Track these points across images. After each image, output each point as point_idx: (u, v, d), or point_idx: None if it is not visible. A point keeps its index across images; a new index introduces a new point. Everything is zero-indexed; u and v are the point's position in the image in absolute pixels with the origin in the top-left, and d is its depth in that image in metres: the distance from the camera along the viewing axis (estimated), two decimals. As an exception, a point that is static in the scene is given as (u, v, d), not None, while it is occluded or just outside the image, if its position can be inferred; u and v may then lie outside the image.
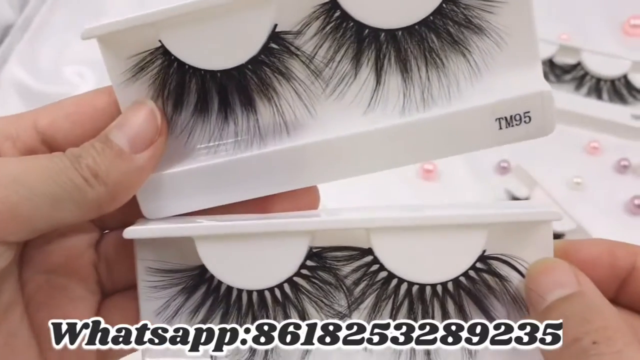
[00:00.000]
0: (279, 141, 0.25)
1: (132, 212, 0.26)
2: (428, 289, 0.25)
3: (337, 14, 0.24)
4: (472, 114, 0.24)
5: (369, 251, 0.25)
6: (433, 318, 0.25)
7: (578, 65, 0.66)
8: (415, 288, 0.25)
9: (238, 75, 0.24)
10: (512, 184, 0.60)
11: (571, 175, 0.60)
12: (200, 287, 0.26)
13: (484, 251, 0.24)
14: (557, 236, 0.56)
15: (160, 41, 0.24)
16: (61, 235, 0.27)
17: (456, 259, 0.24)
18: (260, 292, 0.25)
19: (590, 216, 0.56)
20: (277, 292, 0.25)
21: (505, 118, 0.24)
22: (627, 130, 0.62)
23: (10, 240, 0.23)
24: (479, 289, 0.25)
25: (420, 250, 0.24)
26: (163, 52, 0.24)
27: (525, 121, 0.24)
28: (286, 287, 0.25)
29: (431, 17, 0.24)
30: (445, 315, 0.25)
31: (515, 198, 0.59)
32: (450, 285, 0.25)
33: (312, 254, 0.25)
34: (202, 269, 0.25)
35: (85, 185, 0.23)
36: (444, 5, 0.23)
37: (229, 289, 0.26)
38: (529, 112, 0.24)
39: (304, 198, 0.27)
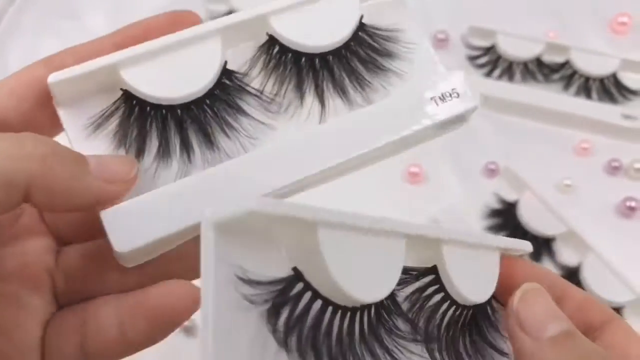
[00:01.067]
0: (242, 154, 0.26)
1: (93, 228, 0.25)
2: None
3: (276, 49, 0.27)
4: (408, 94, 0.28)
5: (432, 269, 0.25)
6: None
7: (566, 63, 0.64)
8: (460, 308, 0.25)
9: (196, 111, 0.26)
10: (500, 187, 0.59)
11: (561, 177, 0.59)
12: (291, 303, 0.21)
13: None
14: (547, 240, 0.55)
15: (121, 89, 0.25)
16: (15, 239, 0.26)
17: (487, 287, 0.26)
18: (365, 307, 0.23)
19: (581, 219, 0.55)
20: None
21: (438, 97, 0.28)
22: (618, 130, 0.61)
23: None
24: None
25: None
26: (124, 99, 0.25)
27: (455, 96, 0.28)
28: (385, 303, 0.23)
29: (351, 43, 0.28)
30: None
31: (504, 201, 0.57)
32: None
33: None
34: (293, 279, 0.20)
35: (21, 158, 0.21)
36: (359, 33, 0.28)
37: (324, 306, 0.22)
38: (454, 88, 0.28)
39: None
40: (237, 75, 0.27)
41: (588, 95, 0.64)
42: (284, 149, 0.26)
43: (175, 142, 0.26)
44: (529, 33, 0.65)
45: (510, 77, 0.65)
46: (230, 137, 0.26)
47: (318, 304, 0.20)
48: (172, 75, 0.25)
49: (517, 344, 0.24)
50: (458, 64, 0.66)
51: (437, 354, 0.24)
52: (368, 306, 0.21)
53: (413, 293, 0.24)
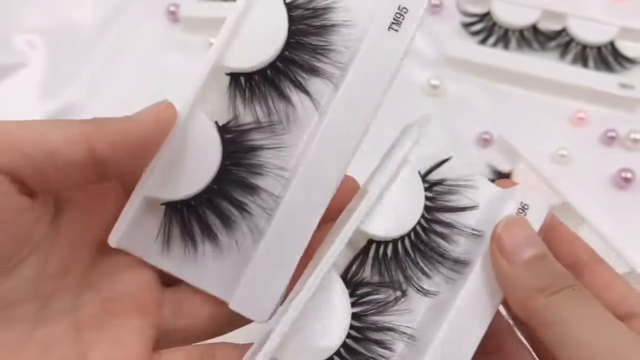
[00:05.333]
0: (283, 194, 0.30)
1: None
2: (418, 229, 0.29)
3: (242, 79, 0.29)
4: (372, 42, 0.29)
5: (369, 242, 0.29)
6: (441, 246, 0.30)
7: (563, 31, 0.63)
8: (406, 240, 0.29)
9: (226, 176, 0.29)
10: (494, 157, 0.57)
11: (556, 147, 0.57)
12: None
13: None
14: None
15: (162, 204, 0.29)
16: (129, 267, 0.29)
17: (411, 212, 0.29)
18: (346, 346, 0.28)
19: (576, 190, 0.54)
20: (354, 333, 0.28)
21: (392, 22, 0.29)
22: (615, 100, 0.60)
23: (20, 179, 0.24)
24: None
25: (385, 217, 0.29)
26: (171, 210, 0.29)
27: (404, 12, 0.29)
28: (355, 323, 0.29)
29: (294, 27, 0.29)
30: (443, 236, 0.30)
31: (497, 172, 0.56)
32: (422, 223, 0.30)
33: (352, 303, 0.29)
34: None
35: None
36: (292, 13, 0.29)
37: None
38: (400, 5, 0.29)
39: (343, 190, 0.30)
40: (230, 125, 0.29)
41: (585, 63, 0.62)
42: (310, 163, 0.29)
43: (233, 212, 0.30)
44: (525, 0, 0.63)
45: (506, 45, 0.63)
46: (264, 175, 0.30)
47: None
48: (190, 166, 0.28)
49: (496, 267, 0.27)
50: (452, 31, 0.64)
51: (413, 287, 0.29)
52: None
53: (372, 263, 0.29)
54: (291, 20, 0.29)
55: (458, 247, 0.30)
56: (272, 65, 0.29)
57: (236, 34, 0.28)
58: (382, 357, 0.28)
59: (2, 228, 0.24)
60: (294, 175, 0.29)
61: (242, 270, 0.29)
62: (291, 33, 0.29)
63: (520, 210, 0.29)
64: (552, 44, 0.63)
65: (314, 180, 0.29)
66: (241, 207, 0.29)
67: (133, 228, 0.29)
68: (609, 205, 0.55)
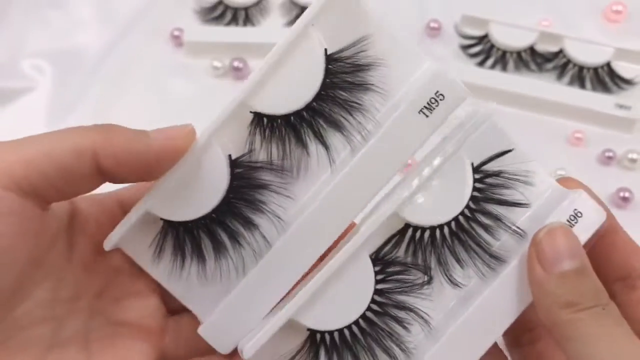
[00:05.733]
0: (281, 233, 0.30)
1: None
2: (461, 219, 0.29)
3: (265, 120, 0.29)
4: (400, 119, 0.28)
5: (406, 226, 0.29)
6: (478, 234, 0.30)
7: (560, 53, 0.64)
8: (453, 225, 0.29)
9: (227, 207, 0.29)
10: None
11: (554, 167, 0.58)
12: (320, 350, 0.30)
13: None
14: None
15: (161, 219, 0.29)
16: (137, 294, 0.30)
17: (455, 199, 0.29)
18: (365, 318, 0.30)
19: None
20: (376, 307, 0.29)
21: (425, 106, 0.28)
22: (612, 120, 0.60)
23: (29, 191, 0.25)
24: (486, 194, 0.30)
25: (431, 200, 0.29)
26: (168, 226, 0.30)
27: (440, 99, 0.28)
28: (378, 298, 0.29)
29: (327, 80, 0.29)
30: (487, 229, 0.30)
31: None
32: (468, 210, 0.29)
33: (375, 261, 0.29)
34: (312, 335, 0.29)
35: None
36: (330, 66, 0.28)
37: (341, 334, 0.30)
38: (437, 91, 0.28)
39: None
40: (243, 159, 0.30)
41: (582, 84, 0.63)
42: (309, 219, 0.29)
43: (225, 242, 0.30)
44: (522, 22, 0.64)
45: (504, 67, 0.64)
46: (264, 214, 0.30)
47: None
48: (195, 191, 0.29)
49: (531, 273, 0.27)
50: (451, 53, 0.65)
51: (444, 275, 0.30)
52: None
53: (407, 245, 0.30)
54: (328, 72, 0.29)
55: (498, 242, 0.30)
56: (297, 112, 0.29)
57: (270, 76, 0.28)
58: (398, 334, 0.29)
59: (19, 247, 0.25)
60: (291, 224, 0.29)
61: (220, 300, 0.30)
62: (324, 86, 0.29)
63: (572, 217, 0.28)
64: (550, 65, 0.64)
65: (309, 235, 0.29)
66: (234, 239, 0.30)
67: (131, 232, 0.29)
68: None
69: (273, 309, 0.30)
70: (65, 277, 0.28)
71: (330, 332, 0.29)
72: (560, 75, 0.64)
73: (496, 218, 0.29)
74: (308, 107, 0.29)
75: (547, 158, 0.59)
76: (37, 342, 0.27)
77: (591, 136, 0.60)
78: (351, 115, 0.29)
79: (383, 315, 0.29)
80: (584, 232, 0.28)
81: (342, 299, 0.28)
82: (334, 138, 0.30)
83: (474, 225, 0.30)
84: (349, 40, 0.29)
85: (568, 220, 0.28)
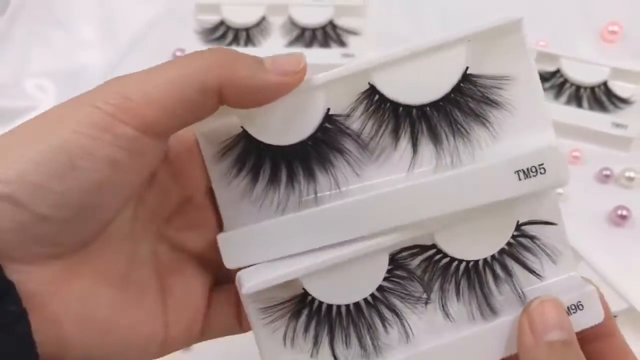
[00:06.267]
0: (332, 200, 0.30)
1: None
2: (480, 261, 0.30)
3: (377, 97, 0.29)
4: (494, 168, 0.28)
5: (432, 246, 0.30)
6: (487, 281, 0.31)
7: (557, 72, 0.64)
8: (471, 264, 0.30)
9: (301, 150, 0.30)
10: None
11: (552, 185, 0.58)
12: (304, 310, 0.30)
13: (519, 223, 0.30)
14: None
15: (242, 127, 0.30)
16: (201, 228, 0.32)
17: (496, 239, 0.30)
18: (357, 304, 0.30)
19: (573, 228, 0.54)
20: (370, 298, 0.30)
21: (523, 170, 0.28)
22: (609, 139, 0.61)
23: (158, 131, 0.26)
24: (515, 248, 0.30)
25: (470, 234, 0.30)
26: (244, 136, 0.30)
27: (540, 172, 0.28)
28: (376, 292, 0.30)
29: (452, 95, 0.29)
30: (495, 276, 0.31)
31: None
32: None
33: (391, 260, 0.30)
34: (304, 295, 0.30)
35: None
36: (461, 84, 0.29)
37: (329, 307, 0.30)
38: (542, 164, 0.28)
39: None
40: (339, 118, 0.30)
41: (579, 104, 0.64)
42: (367, 202, 0.29)
43: (282, 175, 0.30)
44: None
45: (502, 86, 0.65)
46: (327, 173, 0.30)
47: None
48: (281, 123, 0.29)
49: (520, 338, 0.28)
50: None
51: (448, 307, 0.31)
52: None
53: (424, 260, 0.30)
54: (457, 88, 0.29)
55: (500, 296, 0.31)
56: (410, 107, 0.29)
57: (403, 62, 0.29)
58: (377, 330, 0.31)
59: (137, 179, 0.27)
60: (345, 198, 0.30)
61: (249, 222, 0.31)
62: (446, 97, 0.29)
63: (573, 307, 0.29)
64: (547, 84, 0.65)
65: (354, 216, 0.29)
66: (291, 180, 0.31)
67: (213, 123, 0.30)
68: (605, 242, 0.56)
69: (286, 257, 0.30)
70: (146, 200, 0.30)
71: (321, 302, 0.30)
72: (557, 95, 0.64)
73: (509, 275, 0.31)
74: (421, 108, 0.29)
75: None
76: (119, 258, 0.29)
77: (589, 155, 0.61)
78: (454, 137, 0.29)
79: (372, 308, 0.31)
80: (576, 325, 0.29)
81: (348, 281, 0.30)
82: (426, 148, 0.30)
83: (487, 271, 0.31)
84: (492, 72, 0.29)
85: (568, 308, 0.29)
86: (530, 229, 0.30)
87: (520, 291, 0.30)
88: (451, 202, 0.28)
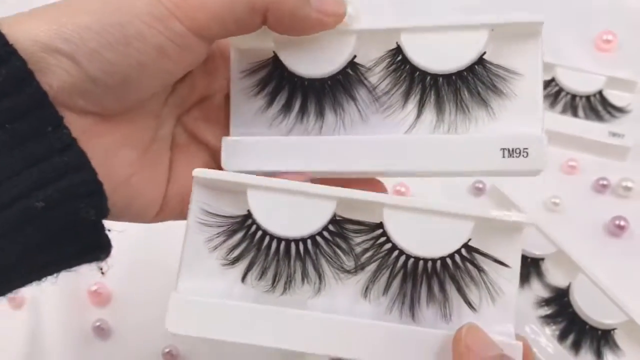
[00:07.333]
0: (336, 132, 0.34)
1: None
2: (421, 264, 0.31)
3: (400, 57, 0.33)
4: (483, 141, 0.31)
5: (380, 225, 0.31)
6: (420, 289, 0.31)
7: (552, 81, 0.64)
8: (410, 261, 0.31)
9: (320, 87, 0.33)
10: (487, 206, 0.58)
11: (548, 195, 0.58)
12: (239, 231, 0.32)
13: (469, 240, 0.30)
14: (536, 260, 0.53)
15: (274, 52, 0.34)
16: (214, 123, 0.37)
17: (447, 242, 0.30)
18: (288, 242, 0.32)
19: (570, 238, 0.54)
20: (301, 245, 0.32)
21: (509, 149, 0.31)
22: (605, 148, 0.60)
23: (205, 35, 0.30)
24: (461, 272, 0.31)
25: (420, 229, 0.30)
26: (273, 61, 0.34)
27: (523, 155, 0.30)
28: (309, 242, 0.32)
29: (465, 73, 0.32)
30: (430, 289, 0.31)
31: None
32: (438, 264, 0.31)
33: (334, 221, 0.31)
34: (245, 218, 0.32)
35: None
36: (476, 66, 0.32)
37: (262, 236, 0.32)
38: (527, 148, 0.30)
39: (374, 188, 0.35)
40: (361, 68, 0.33)
41: (574, 113, 0.63)
42: (369, 143, 0.32)
43: (296, 104, 0.34)
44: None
45: (496, 95, 0.64)
46: (336, 114, 0.34)
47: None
48: (309, 55, 0.33)
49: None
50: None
51: (374, 294, 0.32)
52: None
53: (366, 240, 0.32)
54: (470, 68, 0.32)
55: (426, 309, 0.31)
56: (426, 74, 0.32)
57: (430, 32, 0.32)
58: (294, 278, 0.32)
59: (179, 71, 0.32)
60: (348, 135, 0.33)
61: (263, 136, 0.34)
62: (458, 74, 0.32)
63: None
64: (542, 93, 0.64)
65: (349, 153, 0.32)
66: (303, 109, 0.34)
67: (248, 41, 0.33)
68: (603, 253, 0.55)
69: (273, 173, 0.33)
70: (177, 89, 0.35)
71: (257, 229, 0.32)
72: (552, 104, 0.64)
73: (444, 296, 0.31)
74: (435, 77, 0.32)
75: (541, 186, 0.59)
76: (146, 130, 0.34)
77: (585, 164, 0.60)
78: (456, 111, 0.32)
79: (299, 259, 0.32)
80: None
81: (289, 212, 0.31)
82: (429, 114, 0.32)
83: (424, 282, 0.31)
84: (504, 63, 0.32)
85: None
86: (483, 261, 0.31)
87: (449, 315, 0.31)
88: (440, 162, 0.31)
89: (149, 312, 0.51)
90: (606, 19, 0.69)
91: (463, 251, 0.31)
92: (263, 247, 0.32)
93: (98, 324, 0.52)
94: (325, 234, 0.32)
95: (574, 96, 0.63)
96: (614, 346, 0.49)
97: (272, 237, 0.32)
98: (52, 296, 0.53)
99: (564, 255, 0.52)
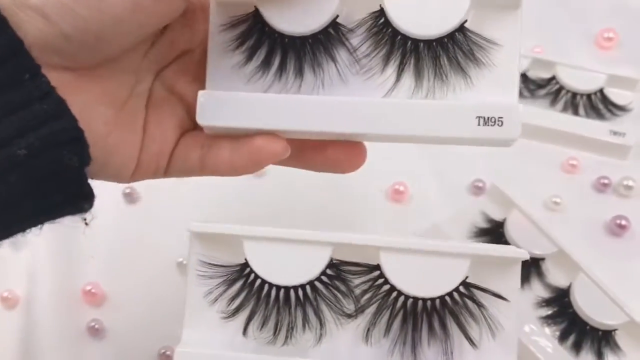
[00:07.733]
0: (314, 92, 0.33)
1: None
2: (420, 304, 0.32)
3: (382, 20, 0.33)
4: (459, 107, 0.31)
5: (377, 267, 0.32)
6: (421, 329, 0.32)
7: (552, 79, 0.63)
8: (410, 301, 0.32)
9: (300, 45, 0.33)
10: (487, 205, 0.57)
11: (549, 194, 0.57)
12: (238, 280, 0.33)
13: (467, 277, 0.31)
14: (537, 260, 0.53)
15: (255, 6, 0.33)
16: (192, 81, 0.36)
17: (445, 281, 0.31)
18: (287, 290, 0.32)
19: (570, 238, 0.53)
20: (300, 292, 0.32)
21: (484, 118, 0.31)
22: (606, 147, 0.60)
23: None
24: (460, 309, 0.31)
25: (418, 270, 0.31)
26: (253, 16, 0.33)
27: (498, 124, 0.30)
28: (308, 288, 0.32)
29: (445, 40, 0.32)
30: (430, 327, 0.32)
31: (491, 220, 0.56)
32: (437, 303, 0.31)
33: (332, 264, 0.32)
34: (243, 266, 0.33)
35: None
36: (457, 33, 0.32)
37: (262, 284, 0.32)
38: (502, 117, 0.30)
39: (353, 152, 0.35)
40: (343, 29, 0.33)
41: (575, 111, 0.62)
42: (347, 104, 0.32)
43: (275, 61, 0.33)
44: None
45: (496, 93, 0.63)
46: (315, 74, 0.33)
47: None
48: (292, 14, 0.32)
49: None
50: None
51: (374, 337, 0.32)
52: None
53: (365, 282, 0.32)
54: (451, 35, 0.32)
55: (428, 349, 0.32)
56: (406, 38, 0.32)
57: (416, 3, 0.32)
58: (295, 325, 0.32)
59: (155, 15, 0.30)
60: (325, 95, 0.33)
61: (237, 92, 0.33)
62: (439, 40, 0.32)
63: None
64: (542, 91, 0.63)
65: (325, 112, 0.32)
66: (282, 67, 0.33)
67: (229, 2, 0.34)
68: (604, 252, 0.55)
69: (248, 130, 0.33)
70: (156, 43, 0.34)
71: (256, 278, 0.32)
72: (553, 102, 0.63)
73: (445, 334, 0.32)
74: (416, 42, 0.32)
75: (541, 185, 0.58)
76: (123, 86, 0.33)
77: (586, 163, 0.60)
78: (434, 77, 0.32)
79: (300, 305, 0.32)
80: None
81: (287, 261, 0.32)
82: (407, 80, 0.32)
83: (424, 320, 0.32)
84: (484, 33, 0.32)
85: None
86: (481, 296, 0.31)
87: (450, 352, 0.31)
88: (417, 126, 0.31)
89: (143, 313, 0.51)
90: (607, 17, 0.69)
91: (461, 288, 0.31)
92: (263, 295, 0.33)
93: (92, 324, 0.51)
94: (324, 278, 0.32)
95: (574, 94, 0.62)
96: (615, 347, 0.48)
97: (272, 285, 0.32)
98: (46, 296, 0.53)
99: (565, 255, 0.52)
